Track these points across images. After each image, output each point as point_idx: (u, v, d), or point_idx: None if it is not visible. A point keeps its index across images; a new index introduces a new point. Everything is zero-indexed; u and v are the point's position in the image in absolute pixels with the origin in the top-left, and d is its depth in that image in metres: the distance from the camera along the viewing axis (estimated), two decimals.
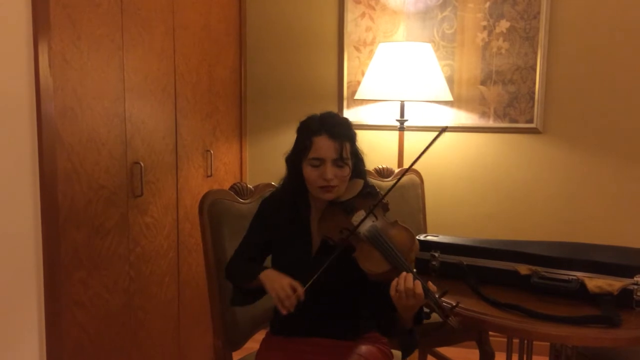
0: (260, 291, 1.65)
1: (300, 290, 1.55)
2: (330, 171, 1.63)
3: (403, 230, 1.64)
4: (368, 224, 1.64)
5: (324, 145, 1.63)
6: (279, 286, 1.55)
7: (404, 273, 1.50)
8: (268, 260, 1.81)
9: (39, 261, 1.70)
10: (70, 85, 1.81)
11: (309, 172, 1.66)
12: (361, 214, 1.64)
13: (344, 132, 1.66)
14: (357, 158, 1.72)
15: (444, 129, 1.60)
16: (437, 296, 1.49)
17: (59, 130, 1.76)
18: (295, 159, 1.70)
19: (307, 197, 1.74)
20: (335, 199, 1.69)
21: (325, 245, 1.68)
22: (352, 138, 1.69)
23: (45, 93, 1.68)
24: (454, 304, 1.50)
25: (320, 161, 1.64)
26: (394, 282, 1.49)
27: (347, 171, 1.67)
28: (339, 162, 1.64)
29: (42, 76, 1.66)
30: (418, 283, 1.47)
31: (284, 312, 1.54)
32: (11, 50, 1.59)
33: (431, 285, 1.50)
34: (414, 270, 1.55)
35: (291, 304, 1.54)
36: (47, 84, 1.68)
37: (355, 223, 1.63)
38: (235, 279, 1.78)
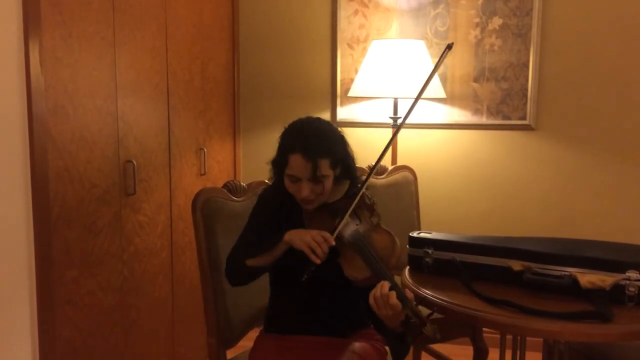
0: (261, 271, 1.67)
1: (330, 237, 1.55)
2: (306, 188, 1.61)
3: (384, 234, 1.64)
4: (352, 227, 1.64)
5: (298, 165, 1.59)
6: (309, 237, 1.55)
7: (381, 282, 1.50)
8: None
9: (31, 260, 1.69)
10: (62, 84, 1.80)
11: (288, 185, 1.65)
12: (343, 217, 1.62)
13: (320, 148, 1.59)
14: (344, 162, 1.67)
15: (449, 46, 1.63)
16: (414, 304, 1.49)
17: (50, 129, 1.75)
18: (277, 169, 1.70)
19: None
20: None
21: None
22: (331, 152, 1.61)
23: (37, 91, 1.67)
24: (430, 312, 1.50)
25: (297, 178, 1.62)
26: (371, 293, 1.50)
27: (322, 187, 1.62)
28: (314, 179, 1.60)
29: (33, 74, 1.65)
30: (393, 293, 1.46)
31: (318, 261, 1.53)
32: (2, 48, 1.58)
33: (409, 293, 1.50)
34: (393, 277, 1.56)
35: (323, 252, 1.53)
36: (38, 82, 1.67)
37: (337, 227, 1.61)
38: (241, 268, 1.68)
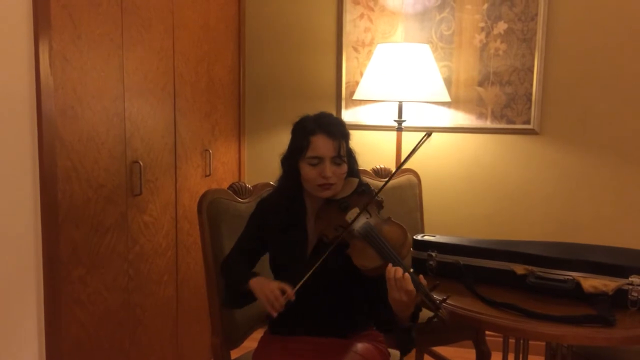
0: (251, 295, 1.69)
1: (290, 292, 1.59)
2: (329, 169, 1.66)
3: (396, 226, 1.67)
4: (362, 221, 1.66)
5: (322, 144, 1.66)
6: (268, 290, 1.60)
7: (394, 267, 1.52)
8: (264, 261, 1.82)
9: (39, 259, 1.71)
10: (70, 85, 1.82)
11: (307, 171, 1.68)
12: (355, 211, 1.66)
13: (340, 130, 1.70)
14: (351, 157, 1.75)
15: (429, 134, 1.64)
16: (427, 289, 1.51)
17: (59, 129, 1.77)
18: (292, 159, 1.72)
19: (303, 198, 1.76)
20: (331, 197, 1.71)
21: (321, 244, 1.69)
22: (347, 137, 1.73)
23: (46, 92, 1.69)
24: (445, 297, 1.53)
25: (319, 159, 1.66)
26: (387, 268, 1.52)
27: (344, 168, 1.70)
28: (337, 159, 1.67)
29: (42, 75, 1.67)
30: (407, 276, 1.48)
31: (274, 313, 1.58)
32: (12, 50, 1.60)
33: (422, 279, 1.52)
34: (406, 265, 1.57)
35: (280, 305, 1.58)
36: (47, 83, 1.69)
37: (350, 220, 1.65)
38: (230, 279, 1.81)
